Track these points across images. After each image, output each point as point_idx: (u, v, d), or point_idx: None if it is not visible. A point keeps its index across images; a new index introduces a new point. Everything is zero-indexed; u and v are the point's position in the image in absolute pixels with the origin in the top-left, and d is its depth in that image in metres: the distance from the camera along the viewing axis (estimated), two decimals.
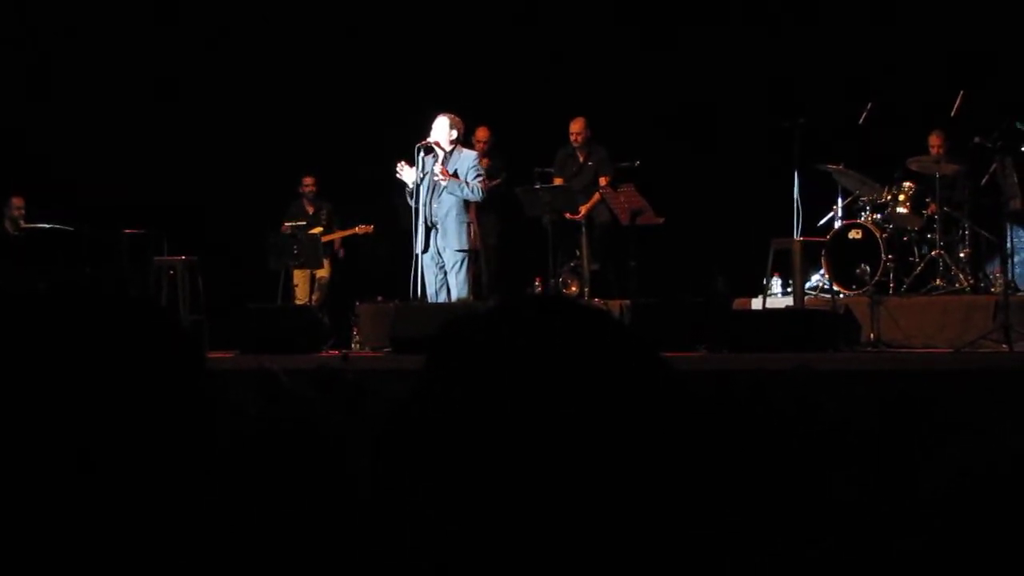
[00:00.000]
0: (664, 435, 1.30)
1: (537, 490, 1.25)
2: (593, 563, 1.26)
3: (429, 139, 11.25)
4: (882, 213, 11.59)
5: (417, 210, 11.22)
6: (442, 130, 11.25)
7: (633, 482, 1.27)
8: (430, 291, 11.26)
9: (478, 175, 11.20)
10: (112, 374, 1.45)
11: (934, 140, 11.70)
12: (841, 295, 11.28)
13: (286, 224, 13.22)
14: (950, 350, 10.04)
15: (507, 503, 1.25)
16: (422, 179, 11.20)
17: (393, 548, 1.33)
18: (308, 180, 13.71)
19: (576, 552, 1.25)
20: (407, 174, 11.19)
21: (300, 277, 13.08)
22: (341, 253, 13.59)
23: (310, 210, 13.67)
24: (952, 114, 11.53)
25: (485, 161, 11.82)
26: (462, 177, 11.15)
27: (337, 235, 13.45)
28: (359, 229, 13.36)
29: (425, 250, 11.23)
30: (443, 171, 11.12)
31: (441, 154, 11.22)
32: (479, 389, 1.28)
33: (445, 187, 11.16)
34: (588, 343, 1.31)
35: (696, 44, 13.47)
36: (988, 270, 11.50)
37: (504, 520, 1.25)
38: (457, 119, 11.34)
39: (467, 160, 11.25)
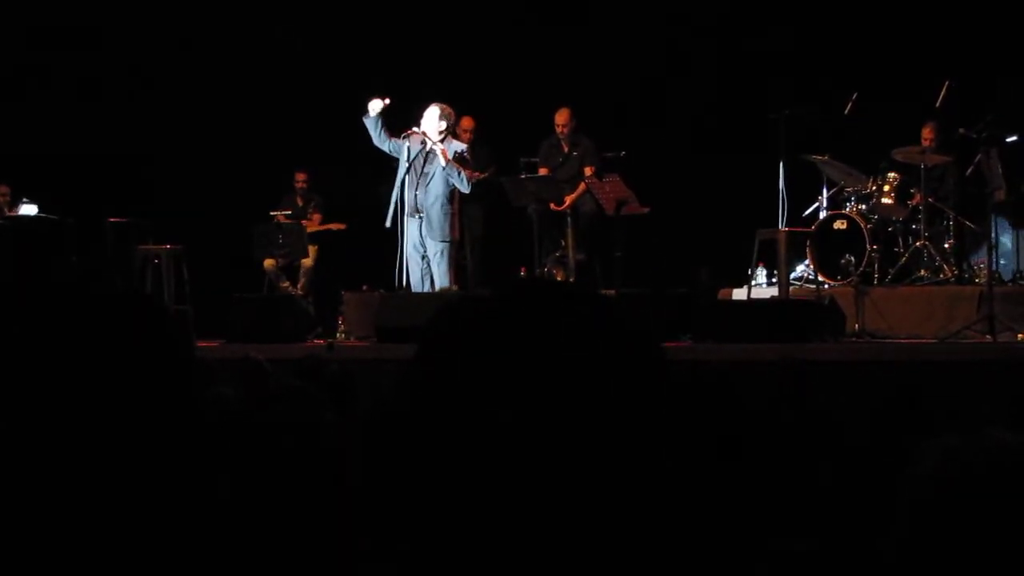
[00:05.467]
0: (662, 424, 1.30)
1: (533, 479, 1.25)
2: (588, 556, 1.26)
3: (417, 129, 11.19)
4: (867, 204, 11.60)
5: (402, 194, 11.17)
6: (432, 120, 11.20)
7: (633, 474, 1.27)
8: (414, 280, 11.25)
9: (468, 166, 11.22)
10: (100, 366, 1.45)
11: (927, 133, 11.69)
12: (826, 285, 11.30)
13: (273, 212, 13.18)
14: (934, 340, 10.08)
15: (503, 494, 1.25)
16: (408, 167, 11.16)
17: (382, 537, 1.34)
18: (300, 176, 13.68)
19: (571, 545, 1.25)
20: (374, 105, 11.08)
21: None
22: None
23: (300, 203, 13.64)
24: (937, 105, 11.54)
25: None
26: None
27: (317, 227, 13.40)
28: (333, 226, 13.37)
29: (400, 231, 11.15)
30: (443, 152, 11.07)
31: (429, 145, 11.18)
32: (474, 378, 1.27)
33: (434, 175, 11.12)
34: (588, 329, 1.31)
35: (681, 35, 13.48)
36: (972, 261, 11.53)
37: (500, 509, 1.25)
38: (448, 109, 11.29)
39: (457, 151, 11.23)
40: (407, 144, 11.16)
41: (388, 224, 11.18)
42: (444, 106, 11.27)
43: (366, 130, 11.19)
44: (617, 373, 1.29)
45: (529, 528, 1.24)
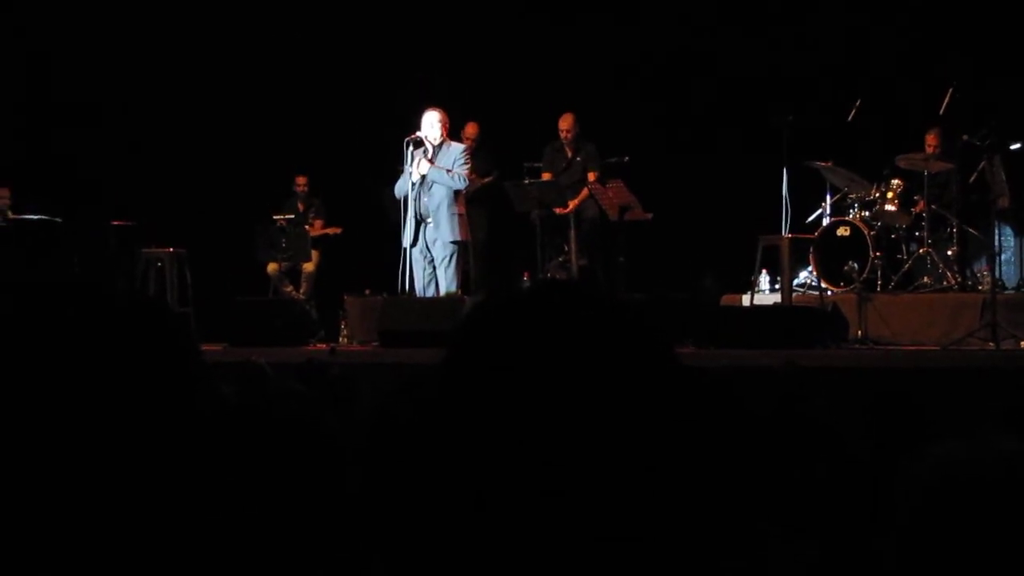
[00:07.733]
0: (679, 429, 1.30)
1: (557, 483, 1.25)
2: (600, 562, 1.25)
3: (419, 133, 11.26)
4: (870, 210, 11.59)
5: (406, 204, 11.24)
6: (431, 124, 11.28)
7: (652, 481, 1.27)
8: (418, 285, 11.27)
9: (465, 164, 11.26)
10: (103, 370, 1.45)
11: (931, 139, 11.69)
12: (829, 292, 11.29)
13: (276, 216, 13.19)
14: (937, 348, 10.05)
15: (534, 497, 1.25)
16: (411, 173, 11.21)
17: (382, 544, 1.33)
18: (300, 180, 13.72)
19: (586, 548, 1.25)
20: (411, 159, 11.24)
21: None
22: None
23: (301, 208, 13.66)
24: (940, 112, 11.54)
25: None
26: (450, 167, 11.20)
27: (318, 232, 13.41)
28: (329, 231, 13.41)
29: (414, 244, 11.24)
30: (427, 161, 11.16)
31: (430, 148, 11.24)
32: (507, 383, 1.27)
33: (434, 180, 11.18)
34: (613, 334, 1.31)
35: (685, 40, 13.48)
36: (975, 268, 11.52)
37: (522, 512, 1.25)
38: (445, 113, 11.38)
39: (455, 152, 11.31)
40: (410, 150, 11.22)
41: (405, 242, 11.24)
42: (442, 110, 11.35)
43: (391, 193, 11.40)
44: (639, 378, 1.29)
45: (545, 532, 1.24)
